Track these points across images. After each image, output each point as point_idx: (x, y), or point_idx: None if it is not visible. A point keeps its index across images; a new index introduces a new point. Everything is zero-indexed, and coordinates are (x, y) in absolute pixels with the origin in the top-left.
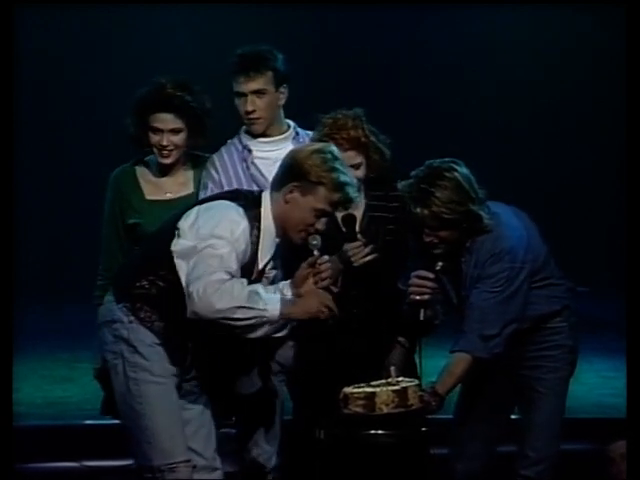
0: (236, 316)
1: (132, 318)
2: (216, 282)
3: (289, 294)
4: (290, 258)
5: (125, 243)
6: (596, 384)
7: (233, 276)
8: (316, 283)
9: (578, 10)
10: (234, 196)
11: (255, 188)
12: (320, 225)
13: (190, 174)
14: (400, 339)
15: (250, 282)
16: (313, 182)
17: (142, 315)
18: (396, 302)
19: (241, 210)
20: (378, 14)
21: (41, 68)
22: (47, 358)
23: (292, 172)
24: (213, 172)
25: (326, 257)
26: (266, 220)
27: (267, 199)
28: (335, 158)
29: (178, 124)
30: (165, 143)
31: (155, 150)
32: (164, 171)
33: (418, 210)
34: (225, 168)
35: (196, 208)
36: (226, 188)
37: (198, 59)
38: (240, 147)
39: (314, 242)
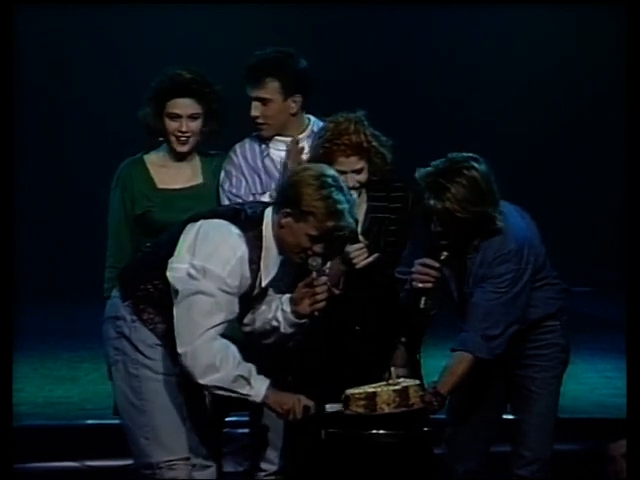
0: (217, 392)
1: (135, 317)
2: (205, 350)
3: (288, 309)
4: (296, 270)
5: (135, 234)
6: (598, 384)
7: (222, 323)
8: (311, 305)
9: (580, 13)
10: (236, 214)
11: (269, 180)
12: (318, 248)
13: (198, 165)
14: (402, 339)
15: (253, 298)
16: (304, 211)
17: (145, 317)
18: (397, 305)
19: (240, 234)
20: (379, 14)
21: (41, 68)
22: (49, 358)
23: (286, 197)
24: (234, 157)
25: (324, 278)
26: (268, 239)
27: (269, 216)
28: (331, 184)
29: (196, 109)
30: (184, 129)
31: (172, 138)
32: (177, 159)
33: (432, 202)
34: (245, 155)
35: (199, 223)
36: (246, 173)
37: (198, 59)
38: (259, 140)
39: (314, 263)
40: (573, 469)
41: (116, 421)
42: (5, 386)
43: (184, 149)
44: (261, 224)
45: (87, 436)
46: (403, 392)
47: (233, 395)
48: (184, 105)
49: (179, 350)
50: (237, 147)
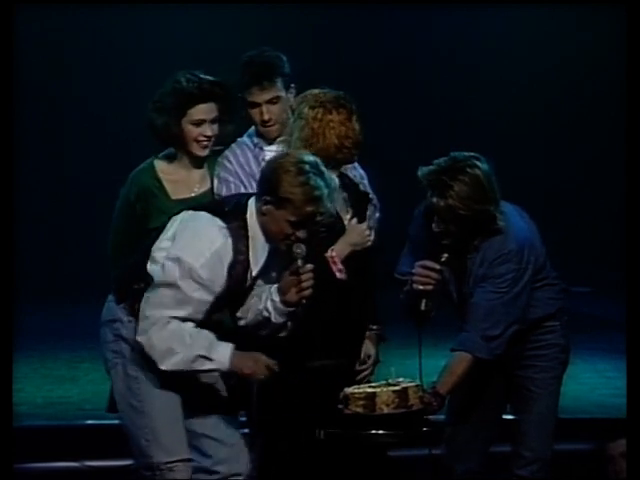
0: (180, 370)
1: (132, 317)
2: (158, 335)
3: (277, 299)
4: (286, 259)
5: (140, 240)
6: (598, 384)
7: (183, 318)
8: (298, 292)
9: (580, 13)
10: (220, 206)
11: None
12: (301, 234)
13: (205, 171)
14: (373, 327)
15: (246, 289)
16: (282, 197)
17: None
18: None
19: (222, 226)
20: (379, 14)
21: (41, 68)
22: (48, 358)
23: (266, 184)
24: (227, 164)
25: (309, 266)
26: (253, 228)
27: (253, 206)
28: (309, 170)
29: (217, 112)
30: (209, 133)
31: (193, 144)
32: (191, 165)
33: (434, 200)
34: (239, 162)
35: (182, 214)
36: (244, 179)
37: (198, 59)
38: (252, 145)
39: (298, 250)
40: (573, 469)
41: (115, 421)
42: (5, 386)
43: (205, 153)
44: (245, 213)
45: (86, 436)
46: (402, 393)
47: (196, 372)
48: (208, 110)
49: (137, 339)
50: (228, 154)
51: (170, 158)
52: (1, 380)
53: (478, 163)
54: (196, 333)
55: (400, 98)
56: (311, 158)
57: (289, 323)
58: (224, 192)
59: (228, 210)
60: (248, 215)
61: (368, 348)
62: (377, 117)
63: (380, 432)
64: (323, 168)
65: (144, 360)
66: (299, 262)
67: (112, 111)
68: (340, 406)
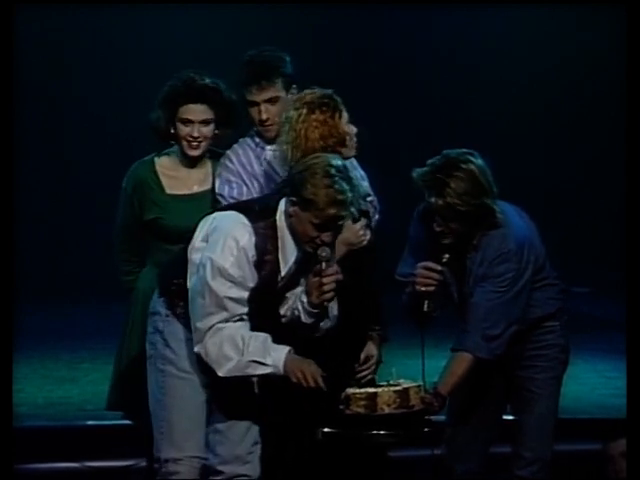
0: (236, 375)
1: (169, 312)
2: (213, 344)
3: (305, 300)
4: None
5: (145, 236)
6: (598, 384)
7: (226, 319)
8: (320, 295)
9: (580, 13)
10: (249, 206)
11: (268, 183)
12: (326, 237)
13: (209, 169)
14: (375, 327)
15: (282, 288)
16: (306, 199)
17: (178, 311)
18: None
19: (247, 224)
20: (379, 14)
21: (41, 68)
22: (48, 358)
23: (292, 185)
24: (229, 164)
25: (332, 269)
26: (282, 229)
27: (282, 207)
28: (335, 174)
29: (209, 115)
30: (196, 134)
31: (184, 143)
32: (189, 164)
33: (432, 200)
34: (241, 162)
35: (213, 215)
36: (246, 179)
37: (198, 59)
38: (253, 145)
39: (323, 254)
40: (573, 469)
41: (116, 422)
42: (5, 387)
43: (195, 153)
44: (275, 214)
45: (87, 437)
46: (404, 393)
47: (256, 374)
48: (197, 111)
49: (195, 350)
50: (230, 154)
51: (171, 155)
52: (1, 380)
53: (471, 158)
54: (249, 337)
55: (400, 98)
56: (339, 162)
57: (324, 323)
58: (226, 192)
59: (258, 210)
60: (278, 216)
61: (370, 348)
62: (377, 117)
63: (381, 432)
64: (352, 173)
65: (173, 355)
66: (323, 264)
67: (112, 111)
68: (341, 406)
